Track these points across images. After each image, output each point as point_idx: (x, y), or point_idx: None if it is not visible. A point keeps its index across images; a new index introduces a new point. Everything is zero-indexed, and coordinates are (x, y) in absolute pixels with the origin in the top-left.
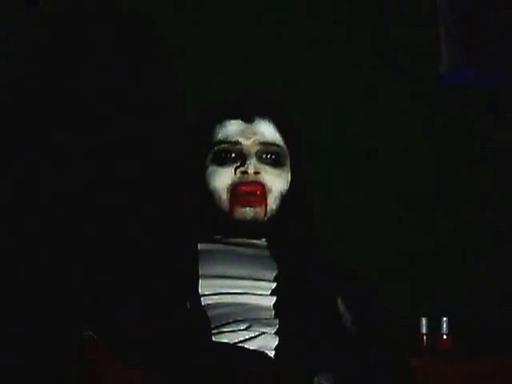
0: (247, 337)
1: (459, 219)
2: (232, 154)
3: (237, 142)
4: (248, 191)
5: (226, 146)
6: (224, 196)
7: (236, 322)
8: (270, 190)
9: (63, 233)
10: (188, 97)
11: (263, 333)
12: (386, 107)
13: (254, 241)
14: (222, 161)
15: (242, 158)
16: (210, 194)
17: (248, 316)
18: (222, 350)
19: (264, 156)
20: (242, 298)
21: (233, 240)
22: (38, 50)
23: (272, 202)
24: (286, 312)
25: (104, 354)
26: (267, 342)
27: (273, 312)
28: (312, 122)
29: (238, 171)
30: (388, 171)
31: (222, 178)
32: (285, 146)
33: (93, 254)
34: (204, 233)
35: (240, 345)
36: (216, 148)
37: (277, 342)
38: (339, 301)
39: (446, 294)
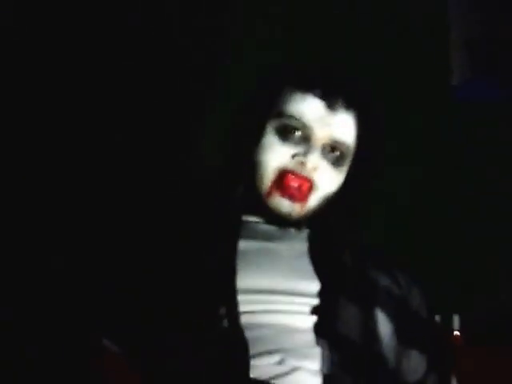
0: (279, 372)
1: (472, 224)
2: (298, 133)
3: (309, 128)
4: (295, 185)
5: (297, 124)
6: (268, 175)
7: (267, 352)
8: (317, 188)
9: (86, 240)
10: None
11: (298, 368)
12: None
13: (292, 230)
14: (285, 136)
15: (306, 144)
16: (255, 164)
17: (282, 344)
18: None
19: (329, 150)
20: (277, 317)
21: (267, 228)
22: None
23: (314, 200)
24: (327, 340)
25: (121, 366)
26: (301, 381)
27: (312, 337)
28: None
29: (295, 158)
30: (395, 184)
31: (276, 157)
32: (354, 146)
33: (115, 260)
34: (236, 212)
35: (272, 382)
36: (285, 120)
37: (313, 381)
38: (378, 309)
39: (457, 292)
